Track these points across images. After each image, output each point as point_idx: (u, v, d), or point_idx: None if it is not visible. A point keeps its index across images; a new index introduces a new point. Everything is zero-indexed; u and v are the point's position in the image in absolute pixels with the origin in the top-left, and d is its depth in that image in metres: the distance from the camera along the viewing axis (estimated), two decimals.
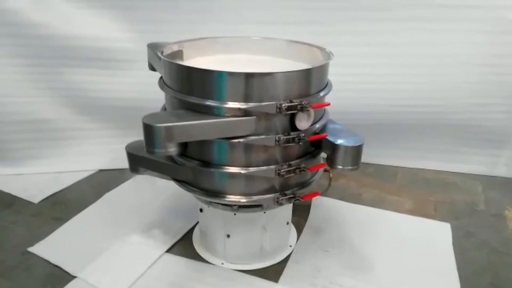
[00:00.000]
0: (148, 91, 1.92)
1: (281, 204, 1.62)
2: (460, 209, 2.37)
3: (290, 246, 2.00)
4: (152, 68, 1.87)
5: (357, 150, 1.53)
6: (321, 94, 1.57)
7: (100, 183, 2.54)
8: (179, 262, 1.89)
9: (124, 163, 1.83)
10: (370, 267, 1.88)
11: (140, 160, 1.76)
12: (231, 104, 1.41)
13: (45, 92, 2.53)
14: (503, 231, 2.19)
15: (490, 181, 2.68)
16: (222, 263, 1.88)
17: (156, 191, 2.41)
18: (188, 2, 2.38)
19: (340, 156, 1.53)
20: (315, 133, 1.58)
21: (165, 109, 1.70)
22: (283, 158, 1.55)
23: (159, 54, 1.61)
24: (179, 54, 1.83)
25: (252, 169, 1.52)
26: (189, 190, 1.65)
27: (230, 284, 1.77)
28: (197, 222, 2.11)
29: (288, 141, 1.48)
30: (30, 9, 2.30)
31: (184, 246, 1.99)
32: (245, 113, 1.42)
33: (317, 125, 1.58)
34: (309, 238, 2.06)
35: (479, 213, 2.35)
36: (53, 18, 2.34)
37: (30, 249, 1.94)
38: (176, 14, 2.40)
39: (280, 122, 1.47)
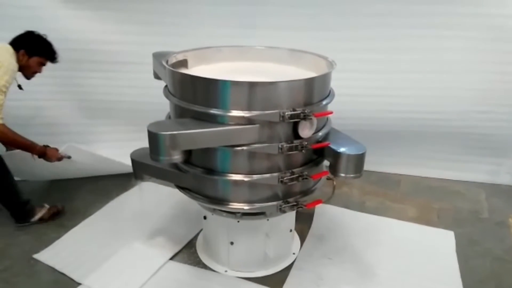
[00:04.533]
0: (154, 95, 1.94)
1: (284, 212, 1.63)
2: (463, 217, 2.37)
3: (294, 253, 2.00)
4: (157, 76, 1.89)
5: (359, 158, 1.54)
6: (324, 102, 1.59)
7: (105, 190, 2.56)
8: (183, 270, 1.90)
9: (130, 169, 1.84)
10: (373, 275, 1.88)
11: (145, 167, 1.78)
12: (235, 113, 1.43)
13: (51, 96, 2.56)
14: (506, 239, 2.18)
15: (494, 189, 2.68)
16: (226, 271, 1.88)
17: (160, 198, 2.42)
18: (194, 6, 2.43)
19: (342, 164, 1.54)
20: (318, 141, 1.60)
21: (169, 117, 1.72)
22: (286, 166, 1.56)
23: (164, 63, 1.64)
24: (183, 63, 1.86)
25: (255, 176, 1.53)
26: (193, 198, 1.67)
27: None
28: (201, 230, 2.12)
29: (291, 149, 1.49)
30: (37, 15, 2.34)
31: (188, 254, 2.00)
32: (249, 121, 1.44)
33: (320, 133, 1.60)
34: (312, 246, 2.07)
35: (483, 221, 2.34)
36: (60, 23, 2.38)
37: (36, 256, 1.96)
38: (183, 18, 2.44)
39: (283, 130, 1.49)
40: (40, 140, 2.59)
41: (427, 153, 2.79)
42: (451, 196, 2.59)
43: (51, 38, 2.37)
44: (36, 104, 2.56)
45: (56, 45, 2.40)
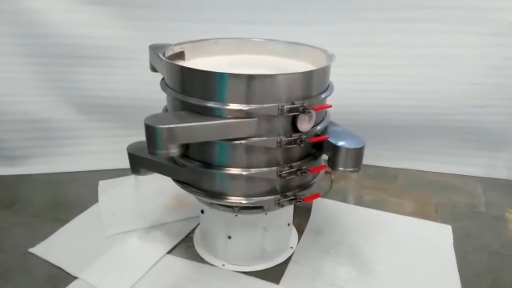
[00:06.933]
0: (150, 91, 1.92)
1: (282, 206, 1.62)
2: (461, 211, 2.38)
3: (291, 247, 2.00)
4: (153, 69, 1.87)
5: (358, 152, 1.53)
6: (323, 96, 1.57)
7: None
8: (180, 263, 1.89)
9: (125, 164, 1.83)
10: (371, 269, 1.88)
11: (141, 161, 1.76)
12: (233, 106, 1.41)
13: (47, 91, 2.53)
14: (504, 233, 2.19)
15: (491, 183, 2.68)
16: (223, 265, 1.88)
17: (157, 192, 2.41)
18: (193, 1, 2.39)
19: (341, 158, 1.53)
20: (317, 135, 1.58)
21: (166, 110, 1.70)
22: (284, 159, 1.55)
23: (161, 56, 1.61)
24: (180, 55, 1.84)
25: (253, 170, 1.52)
26: (190, 191, 1.65)
27: (231, 285, 1.77)
28: (198, 224, 2.11)
29: (289, 142, 1.48)
30: (34, 9, 2.30)
31: (185, 248, 2.00)
32: (247, 114, 1.42)
33: (319, 127, 1.59)
34: (310, 240, 2.06)
35: (480, 215, 2.35)
36: (57, 18, 2.35)
37: (31, 250, 1.94)
38: (183, 12, 2.41)
39: (282, 123, 1.48)
40: (26, 136, 2.58)
41: (425, 147, 2.79)
42: (448, 190, 2.60)
43: (45, 33, 2.34)
44: (31, 100, 2.52)
45: (50, 40, 2.38)
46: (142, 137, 1.42)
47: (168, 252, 1.95)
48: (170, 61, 1.56)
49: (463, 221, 2.26)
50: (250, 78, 1.40)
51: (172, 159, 1.67)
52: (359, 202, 2.42)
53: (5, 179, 2.56)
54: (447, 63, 2.51)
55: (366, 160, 1.58)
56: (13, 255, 1.92)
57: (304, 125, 1.48)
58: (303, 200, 1.62)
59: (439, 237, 2.12)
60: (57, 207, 2.31)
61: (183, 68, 1.51)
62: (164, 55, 1.65)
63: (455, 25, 2.40)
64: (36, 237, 2.02)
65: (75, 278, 1.78)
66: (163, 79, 1.68)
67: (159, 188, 2.36)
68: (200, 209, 1.87)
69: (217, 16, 2.43)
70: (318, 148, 1.66)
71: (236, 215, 1.72)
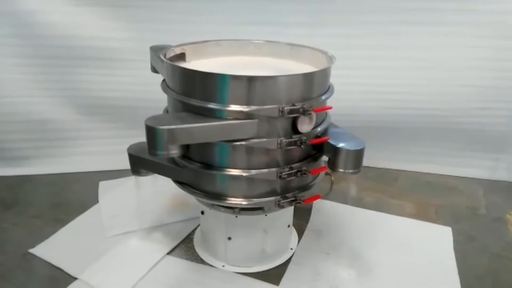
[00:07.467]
0: (150, 92, 1.93)
1: (282, 207, 1.62)
2: (461, 213, 2.37)
3: (291, 249, 2.00)
4: (154, 70, 1.87)
5: (358, 154, 1.53)
6: (323, 97, 1.57)
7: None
8: (180, 265, 1.89)
9: (126, 165, 1.83)
10: (371, 270, 1.88)
11: (142, 162, 1.76)
12: (234, 107, 1.42)
13: (48, 93, 2.54)
14: (504, 235, 2.18)
15: (491, 185, 2.68)
16: (223, 266, 1.88)
17: (157, 193, 2.41)
18: (193, 3, 2.40)
19: (341, 159, 1.54)
20: (317, 137, 1.58)
21: (167, 111, 1.71)
22: (284, 161, 1.55)
23: (162, 57, 1.62)
24: (181, 56, 1.84)
25: (253, 171, 1.52)
26: (190, 193, 1.65)
27: (231, 286, 1.77)
28: (198, 225, 2.11)
29: (290, 144, 1.48)
30: (34, 10, 2.31)
31: (185, 249, 2.00)
32: (247, 116, 1.42)
33: (319, 129, 1.59)
34: (310, 241, 2.06)
35: (481, 217, 2.35)
36: (58, 19, 2.35)
37: (31, 250, 1.94)
38: (182, 14, 2.41)
39: (282, 125, 1.48)
40: (26, 137, 2.59)
41: (426, 149, 2.79)
42: (449, 192, 2.59)
43: (45, 34, 2.35)
44: (32, 101, 2.53)
45: (51, 42, 2.38)
46: (143, 138, 1.42)
47: (168, 253, 1.95)
48: (171, 63, 1.56)
49: (463, 223, 2.26)
50: (251, 79, 1.40)
51: (172, 160, 1.68)
52: (360, 203, 2.42)
53: (6, 180, 2.57)
54: (448, 65, 2.51)
55: (366, 162, 1.58)
56: (13, 255, 1.92)
57: (305, 126, 1.48)
58: (303, 201, 1.62)
59: (439, 239, 2.12)
60: (57, 207, 2.31)
61: (184, 70, 1.51)
62: (165, 56, 1.65)
63: (458, 28, 2.41)
64: (36, 237, 2.02)
65: (75, 279, 1.78)
66: (164, 80, 1.68)
67: (160, 189, 2.35)
68: (200, 210, 1.87)
69: (218, 18, 2.43)
70: (318, 149, 1.66)
71: (236, 216, 1.73)
